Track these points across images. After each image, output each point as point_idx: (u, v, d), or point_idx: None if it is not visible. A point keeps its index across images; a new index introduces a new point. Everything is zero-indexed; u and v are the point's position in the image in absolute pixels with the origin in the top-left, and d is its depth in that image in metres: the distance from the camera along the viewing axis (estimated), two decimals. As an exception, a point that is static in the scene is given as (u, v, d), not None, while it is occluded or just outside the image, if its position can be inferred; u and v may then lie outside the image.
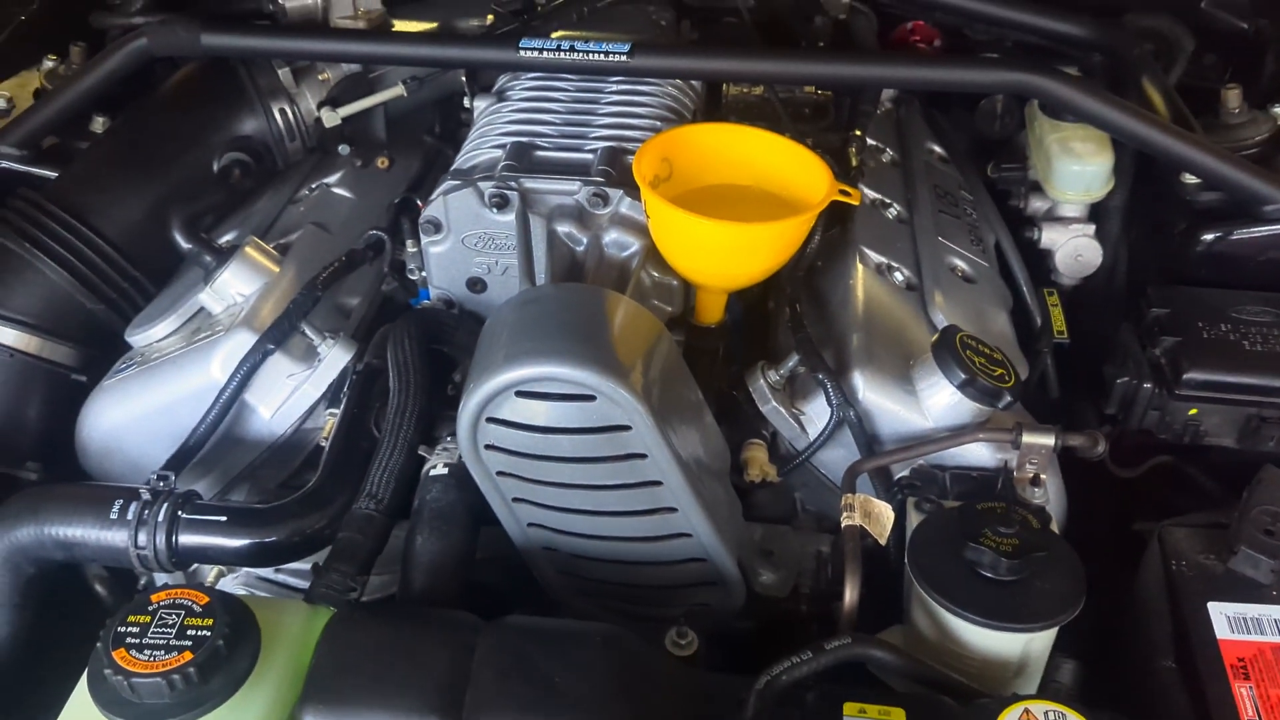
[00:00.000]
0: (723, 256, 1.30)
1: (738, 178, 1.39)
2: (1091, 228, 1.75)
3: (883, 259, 1.55)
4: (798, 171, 1.34)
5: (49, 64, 1.88)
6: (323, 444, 1.37)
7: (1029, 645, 1.13)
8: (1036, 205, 1.81)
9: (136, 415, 1.43)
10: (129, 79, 1.70)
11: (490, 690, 0.98)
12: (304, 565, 1.29)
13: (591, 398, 1.10)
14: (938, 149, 1.90)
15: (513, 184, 1.38)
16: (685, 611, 1.27)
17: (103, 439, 1.46)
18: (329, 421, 1.40)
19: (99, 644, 0.99)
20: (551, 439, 1.13)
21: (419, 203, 1.67)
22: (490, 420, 1.13)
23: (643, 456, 1.14)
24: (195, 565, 1.28)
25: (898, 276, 1.55)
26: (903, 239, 1.62)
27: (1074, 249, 1.75)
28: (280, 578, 1.36)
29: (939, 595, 1.11)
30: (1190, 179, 1.61)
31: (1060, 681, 1.26)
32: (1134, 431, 1.51)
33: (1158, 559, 1.26)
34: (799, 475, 1.41)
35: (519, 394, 1.10)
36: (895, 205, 1.69)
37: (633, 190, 1.38)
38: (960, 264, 1.62)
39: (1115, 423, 1.52)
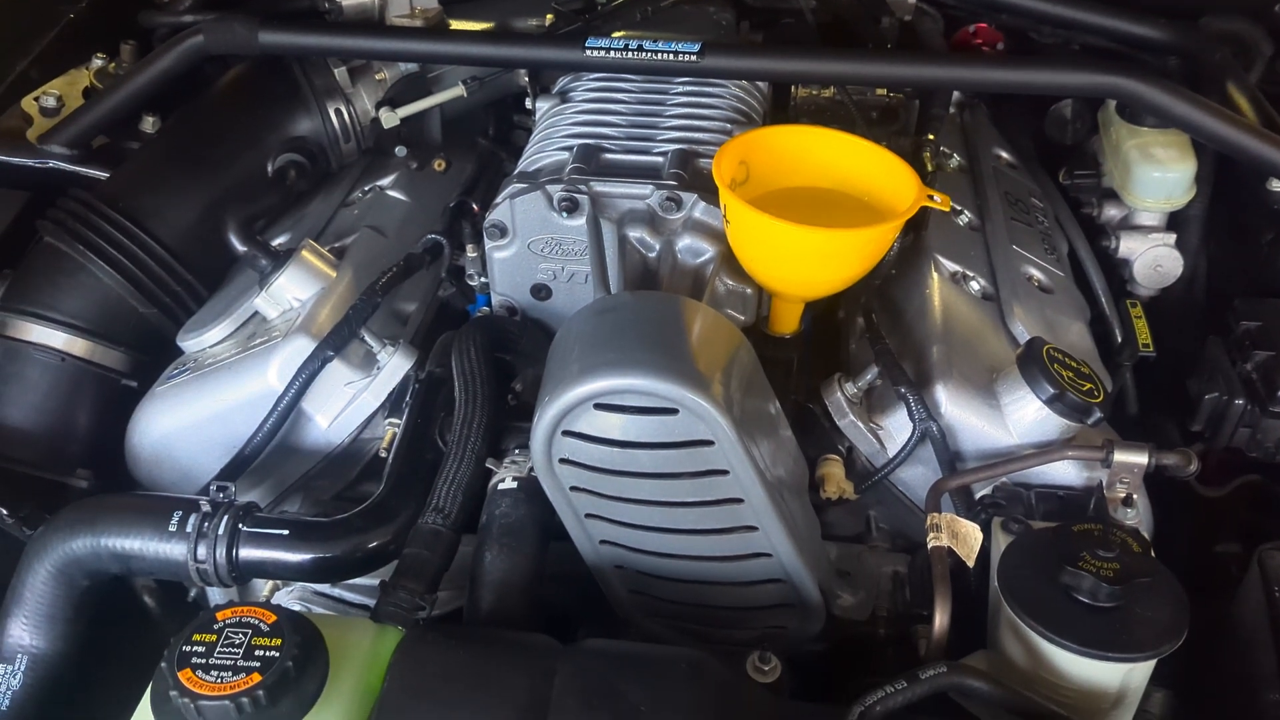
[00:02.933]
0: (808, 264, 1.25)
1: (815, 181, 1.34)
2: (1172, 237, 1.69)
3: (957, 267, 1.50)
4: (882, 176, 1.30)
5: (98, 62, 1.85)
6: (382, 454, 1.34)
7: (1129, 676, 1.07)
8: (1111, 213, 1.75)
9: (189, 423, 1.40)
10: (181, 78, 1.66)
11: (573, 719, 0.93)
12: (362, 580, 1.26)
13: (673, 411, 1.05)
14: (1005, 154, 1.84)
15: (582, 187, 1.34)
16: (760, 634, 1.22)
17: (154, 446, 1.42)
18: (389, 432, 1.35)
19: (163, 663, 0.95)
20: (629, 453, 1.08)
21: (474, 206, 1.63)
22: (566, 433, 1.08)
23: (724, 473, 1.09)
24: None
25: (973, 286, 1.49)
26: (976, 247, 1.57)
27: (1153, 259, 1.69)
28: (337, 592, 1.32)
29: (1035, 622, 1.06)
30: (1278, 187, 1.55)
31: (1151, 712, 1.20)
32: (1220, 449, 1.46)
33: (1258, 585, 1.20)
34: (873, 492, 1.36)
35: (597, 406, 1.06)
36: (966, 213, 1.63)
37: (706, 194, 1.33)
38: (1036, 273, 1.56)
39: (1201, 440, 1.46)
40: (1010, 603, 1.08)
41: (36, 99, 1.76)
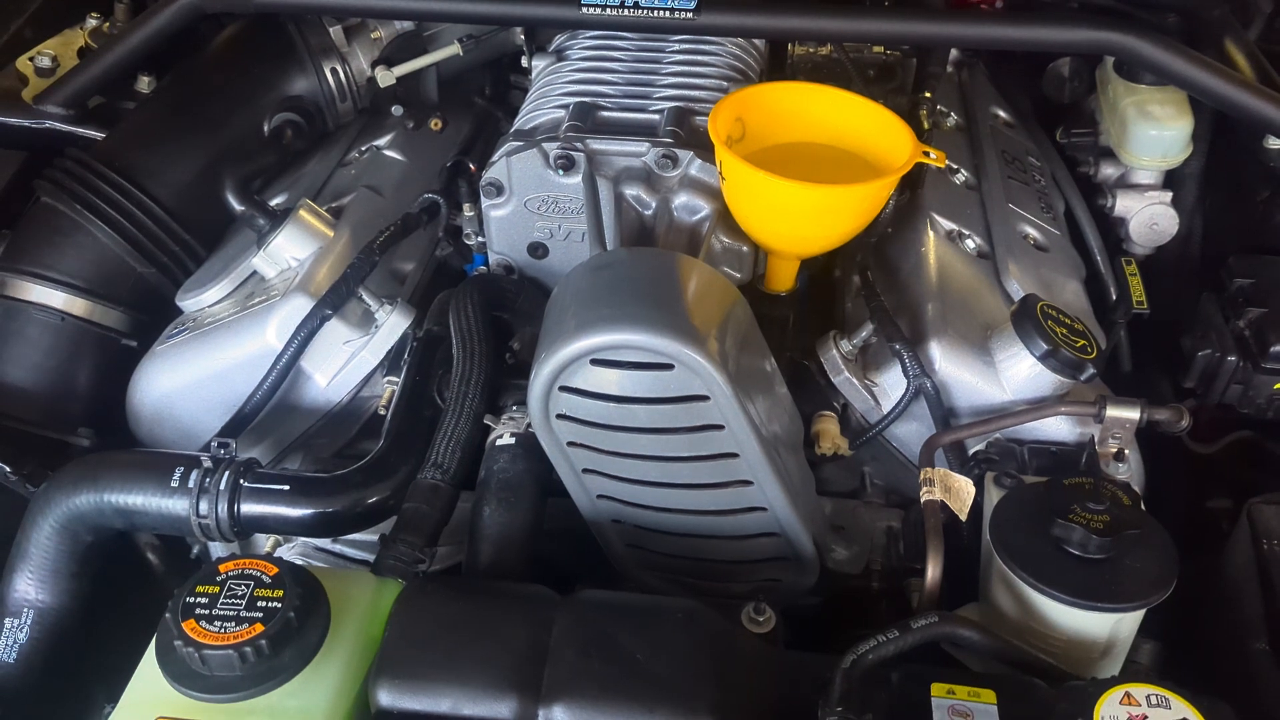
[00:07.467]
0: (804, 220, 1.25)
1: (811, 137, 1.34)
2: (1168, 195, 1.69)
3: (953, 226, 1.50)
4: (878, 133, 1.30)
5: (93, 21, 1.84)
6: (381, 412, 1.35)
7: (1117, 626, 1.09)
8: (1108, 172, 1.75)
9: (190, 381, 1.41)
10: (176, 37, 1.66)
11: (570, 668, 0.95)
12: (362, 536, 1.28)
13: (669, 366, 1.06)
14: (1003, 113, 1.84)
15: (578, 145, 1.34)
16: (756, 588, 1.24)
17: (155, 405, 1.43)
18: (387, 389, 1.36)
19: (167, 614, 0.97)
20: (626, 408, 1.09)
21: (471, 166, 1.63)
22: (563, 389, 1.09)
23: (719, 428, 1.10)
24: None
25: (969, 244, 1.50)
26: (972, 205, 1.57)
27: (1149, 217, 1.69)
28: (338, 548, 1.34)
29: (1026, 573, 1.08)
30: (1275, 144, 1.55)
31: (1139, 663, 1.22)
32: (1212, 406, 1.47)
33: (1247, 538, 1.22)
34: (868, 449, 1.37)
35: (594, 362, 1.07)
36: (963, 171, 1.63)
37: (702, 152, 1.33)
38: (1032, 231, 1.56)
39: (1194, 396, 1.47)
40: (1001, 554, 1.10)
41: (31, 59, 1.76)
